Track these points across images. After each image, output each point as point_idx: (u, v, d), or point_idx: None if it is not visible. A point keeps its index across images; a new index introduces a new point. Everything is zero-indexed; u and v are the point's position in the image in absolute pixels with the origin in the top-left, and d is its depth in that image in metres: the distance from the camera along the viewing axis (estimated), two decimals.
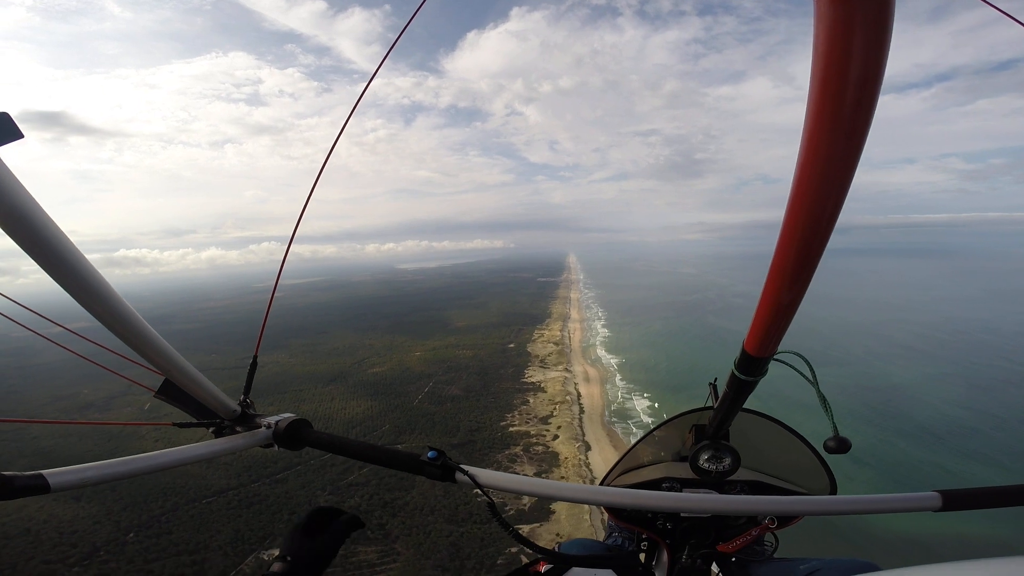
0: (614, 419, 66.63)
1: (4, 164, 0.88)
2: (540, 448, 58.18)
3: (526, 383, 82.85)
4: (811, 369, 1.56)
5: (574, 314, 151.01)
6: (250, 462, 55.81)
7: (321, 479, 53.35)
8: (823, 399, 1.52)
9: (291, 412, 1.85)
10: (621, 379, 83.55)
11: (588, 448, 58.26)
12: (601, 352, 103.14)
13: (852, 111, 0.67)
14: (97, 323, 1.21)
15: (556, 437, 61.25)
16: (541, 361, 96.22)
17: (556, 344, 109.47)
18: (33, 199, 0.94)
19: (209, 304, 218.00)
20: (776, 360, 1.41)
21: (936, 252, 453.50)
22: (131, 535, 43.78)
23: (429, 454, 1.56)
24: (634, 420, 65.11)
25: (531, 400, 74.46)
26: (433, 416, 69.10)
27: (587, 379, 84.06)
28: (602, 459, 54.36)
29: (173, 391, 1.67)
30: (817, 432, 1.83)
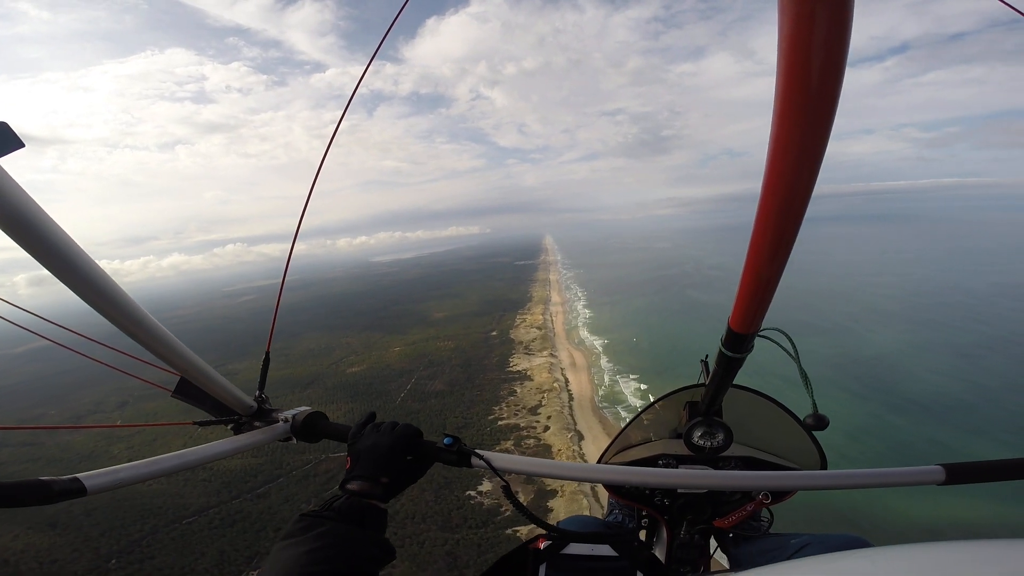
0: (604, 404, 65.02)
1: (7, 174, 0.89)
2: (532, 441, 56.09)
3: (512, 372, 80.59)
4: (793, 345, 1.59)
5: (555, 296, 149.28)
6: (229, 478, 53.31)
7: (304, 491, 50.65)
8: (804, 375, 1.56)
9: (306, 405, 1.88)
10: (608, 361, 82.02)
11: (581, 438, 56.48)
12: (585, 334, 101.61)
13: (820, 82, 0.67)
14: (106, 328, 1.24)
15: (547, 428, 59.24)
16: (525, 348, 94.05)
17: (539, 329, 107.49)
18: (39, 207, 0.96)
19: (178, 312, 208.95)
20: (760, 336, 1.44)
21: (898, 217, 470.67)
22: (113, 562, 41.72)
23: (445, 440, 1.60)
24: (624, 405, 63.57)
25: (518, 390, 72.26)
26: (418, 414, 66.25)
27: (573, 364, 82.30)
28: (596, 448, 52.60)
29: (190, 390, 1.71)
30: (807, 407, 1.79)
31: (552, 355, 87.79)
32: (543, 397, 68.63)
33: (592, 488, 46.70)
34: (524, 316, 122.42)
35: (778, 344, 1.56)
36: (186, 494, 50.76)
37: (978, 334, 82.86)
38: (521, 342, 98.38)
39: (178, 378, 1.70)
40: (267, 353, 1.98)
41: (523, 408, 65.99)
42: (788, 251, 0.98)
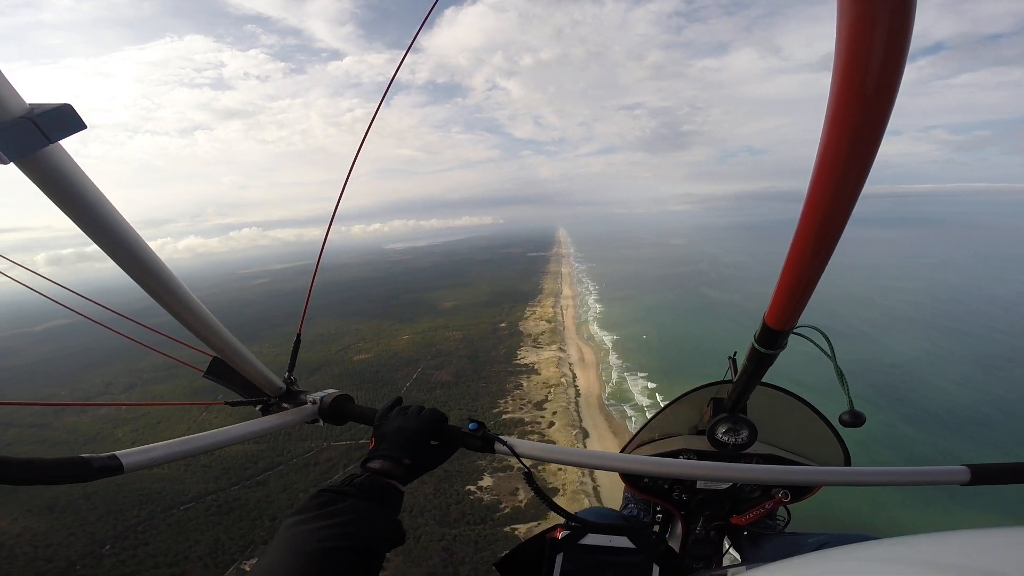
0: (611, 402, 63.78)
1: (68, 154, 0.92)
2: (535, 437, 55.08)
3: (519, 365, 79.63)
4: (829, 344, 1.57)
5: (566, 290, 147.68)
6: (229, 464, 53.33)
7: (304, 480, 50.55)
8: (840, 373, 1.54)
9: (333, 388, 1.91)
10: (617, 358, 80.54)
11: (586, 435, 55.43)
12: (595, 329, 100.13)
13: (877, 83, 0.67)
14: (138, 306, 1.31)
15: (552, 424, 58.26)
16: (534, 340, 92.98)
17: (548, 322, 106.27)
18: (96, 188, 0.99)
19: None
20: (795, 334, 1.44)
21: (922, 221, 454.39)
22: (107, 547, 41.58)
23: (470, 425, 1.61)
24: (631, 403, 62.26)
25: (524, 384, 71.32)
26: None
27: (582, 359, 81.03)
28: (600, 447, 51.43)
29: (221, 370, 1.74)
30: (830, 408, 1.80)
31: (561, 349, 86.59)
32: (549, 392, 67.59)
33: (594, 488, 45.86)
34: (534, 308, 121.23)
35: (814, 342, 1.52)
36: (186, 479, 50.79)
37: (1001, 344, 79.90)
38: (530, 335, 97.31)
39: (206, 360, 1.73)
40: (298, 335, 2.00)
41: (529, 403, 65.07)
42: (831, 251, 0.98)
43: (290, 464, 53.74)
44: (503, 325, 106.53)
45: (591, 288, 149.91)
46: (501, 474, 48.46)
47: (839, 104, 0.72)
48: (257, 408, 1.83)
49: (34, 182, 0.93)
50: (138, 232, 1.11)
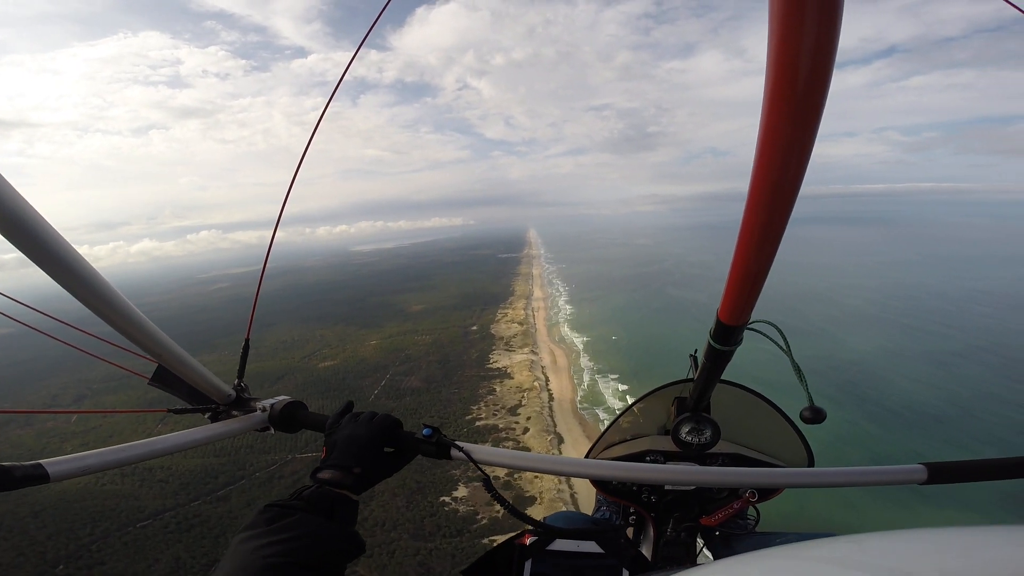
0: (584, 405, 63.58)
1: None
2: (510, 444, 54.11)
3: (491, 369, 78.58)
4: (784, 338, 1.56)
5: (537, 291, 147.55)
6: (188, 478, 50.56)
7: (268, 494, 47.96)
8: (797, 368, 1.52)
9: (286, 395, 1.87)
10: (588, 360, 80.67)
11: (561, 441, 54.93)
12: (566, 331, 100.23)
13: (808, 81, 0.69)
14: (84, 313, 1.23)
15: (527, 430, 57.49)
16: (506, 344, 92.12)
17: (520, 324, 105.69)
18: (14, 189, 0.94)
19: (147, 299, 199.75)
20: (750, 329, 1.43)
21: (875, 220, 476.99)
22: (60, 567, 39.45)
23: (424, 431, 1.57)
24: (603, 407, 62.21)
25: (498, 389, 70.32)
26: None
27: (554, 361, 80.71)
28: (576, 453, 50.94)
29: (167, 377, 1.69)
30: (792, 406, 1.81)
31: (533, 352, 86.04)
32: (523, 397, 66.82)
33: (572, 495, 45.28)
34: (506, 311, 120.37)
35: (768, 337, 1.51)
36: (141, 495, 47.86)
37: (953, 340, 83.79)
38: (502, 338, 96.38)
39: (154, 367, 1.68)
40: (247, 340, 1.95)
41: (502, 407, 64.10)
42: (776, 243, 1.00)
43: (253, 478, 51.15)
44: (474, 328, 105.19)
45: (561, 289, 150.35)
46: (477, 484, 47.18)
47: (773, 102, 0.74)
48: (206, 416, 1.78)
49: None
50: (64, 235, 1.04)
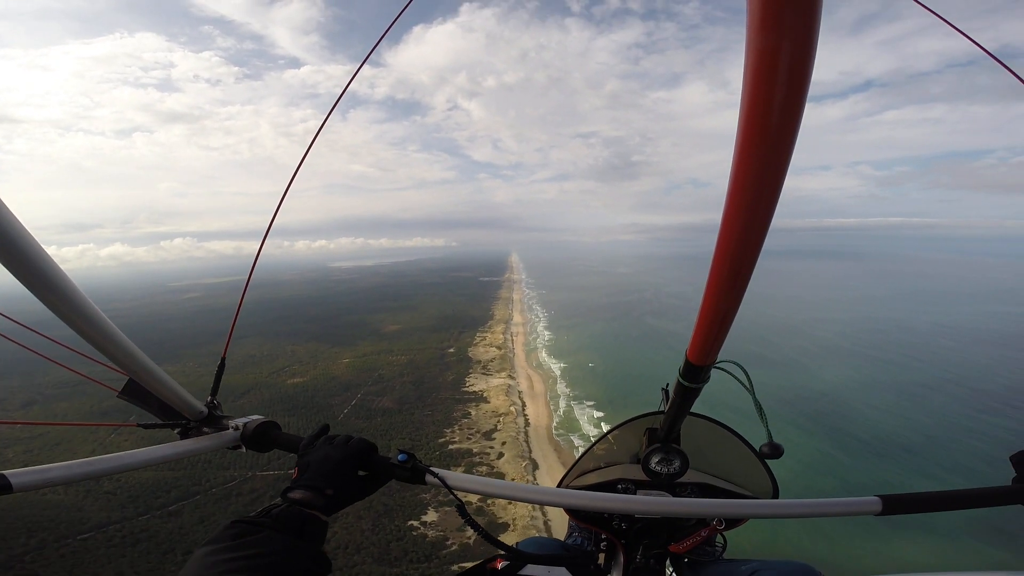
0: (560, 431, 62.51)
1: None
2: (484, 469, 52.59)
3: (467, 393, 76.99)
4: (748, 377, 1.62)
5: (517, 316, 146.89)
6: (138, 491, 47.79)
7: (223, 511, 45.77)
8: (759, 406, 1.60)
9: (259, 414, 1.88)
10: (565, 387, 79.87)
11: (535, 467, 53.64)
12: (544, 357, 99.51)
13: (779, 122, 0.70)
14: (50, 318, 1.20)
15: (501, 455, 56.02)
16: (483, 367, 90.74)
17: (499, 348, 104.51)
18: None
19: (114, 306, 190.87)
20: (717, 368, 1.49)
21: (846, 254, 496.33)
22: None
23: (399, 457, 1.60)
24: (579, 433, 61.29)
25: (473, 412, 68.74)
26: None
27: (531, 387, 79.64)
28: (551, 479, 49.77)
29: (137, 391, 1.68)
30: (761, 436, 1.84)
31: (511, 377, 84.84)
32: (498, 421, 65.40)
33: (545, 523, 44.03)
34: (484, 335, 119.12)
35: (733, 376, 1.57)
36: (85, 507, 45.14)
37: (919, 372, 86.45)
38: (479, 361, 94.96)
39: (119, 378, 1.66)
40: (223, 358, 1.96)
41: (477, 432, 62.52)
42: (745, 284, 1.01)
43: (208, 494, 48.46)
44: (451, 351, 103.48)
45: (541, 315, 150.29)
46: (448, 508, 45.59)
47: (745, 140, 0.74)
48: (175, 432, 1.75)
49: None
50: (35, 237, 1.00)
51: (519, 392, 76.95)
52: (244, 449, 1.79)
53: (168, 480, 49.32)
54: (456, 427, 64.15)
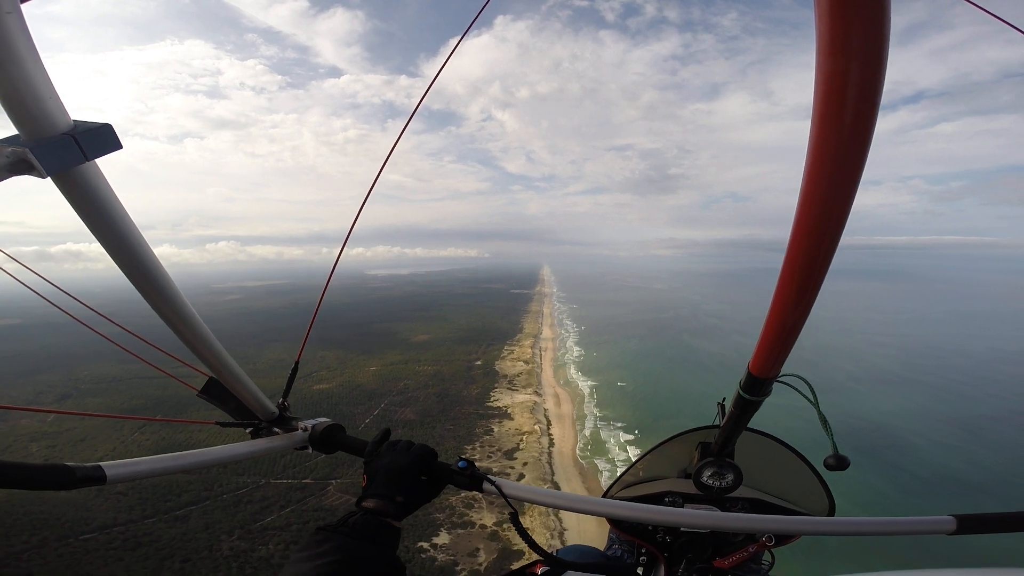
0: (586, 454, 59.26)
1: (102, 173, 0.97)
2: None
3: (491, 408, 74.68)
4: (812, 391, 1.64)
5: (547, 331, 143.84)
6: (148, 494, 47.21)
7: (230, 519, 44.92)
8: (823, 419, 1.61)
9: (326, 417, 1.99)
10: (594, 406, 76.31)
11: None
12: (573, 373, 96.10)
13: (851, 131, 0.71)
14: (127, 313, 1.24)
15: (522, 476, 53.23)
16: (509, 382, 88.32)
17: (526, 363, 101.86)
18: (123, 207, 1.04)
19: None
20: (779, 382, 1.51)
21: (898, 274, 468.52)
22: None
23: (459, 464, 1.66)
24: (607, 457, 57.88)
25: (496, 429, 66.34)
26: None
27: (558, 405, 76.49)
28: None
29: (216, 391, 1.81)
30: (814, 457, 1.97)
31: (537, 393, 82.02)
32: (521, 440, 62.70)
33: (560, 531, 41.62)
34: (512, 348, 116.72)
35: (797, 390, 1.58)
36: (94, 507, 44.82)
37: (978, 402, 79.20)
38: (506, 375, 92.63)
39: (192, 376, 1.80)
40: (296, 362, 2.03)
41: (498, 450, 60.06)
42: (813, 298, 1.01)
43: (218, 500, 47.70)
44: (478, 363, 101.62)
45: (571, 329, 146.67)
46: (460, 531, 43.39)
47: (817, 151, 0.75)
48: (247, 431, 1.83)
49: (66, 196, 0.95)
50: (154, 251, 1.14)
51: (545, 410, 73.98)
52: (311, 450, 1.87)
53: (181, 483, 48.98)
54: (477, 444, 61.88)
